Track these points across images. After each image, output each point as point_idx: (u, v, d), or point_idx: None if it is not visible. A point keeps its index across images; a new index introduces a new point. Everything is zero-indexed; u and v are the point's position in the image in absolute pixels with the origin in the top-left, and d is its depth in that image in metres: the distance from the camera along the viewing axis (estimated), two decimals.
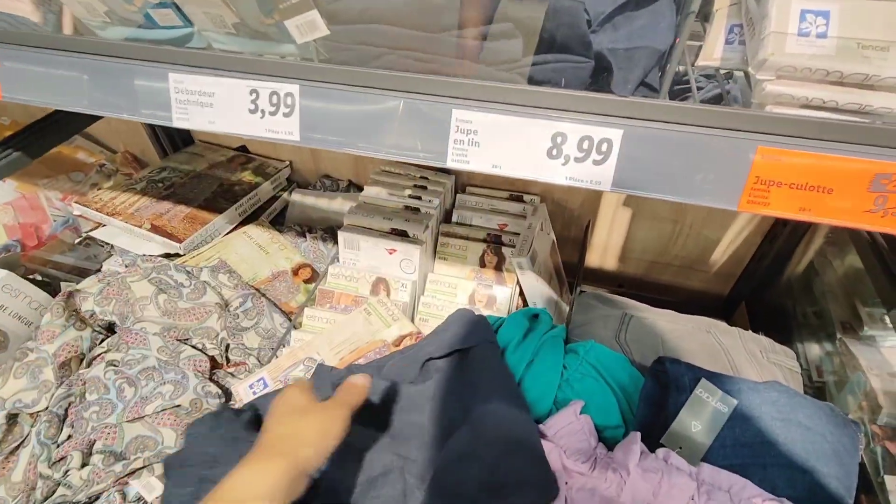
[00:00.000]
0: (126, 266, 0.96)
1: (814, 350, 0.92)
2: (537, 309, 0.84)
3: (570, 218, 1.15)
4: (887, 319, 0.71)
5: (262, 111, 0.54)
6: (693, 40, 0.60)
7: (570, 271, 1.11)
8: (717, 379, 0.62)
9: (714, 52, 0.54)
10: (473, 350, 0.65)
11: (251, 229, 1.10)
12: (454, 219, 1.07)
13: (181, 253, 0.99)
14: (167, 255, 0.99)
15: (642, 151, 0.46)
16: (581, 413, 0.64)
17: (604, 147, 0.47)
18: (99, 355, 0.79)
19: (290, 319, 0.95)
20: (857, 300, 0.81)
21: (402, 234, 0.96)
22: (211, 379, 0.80)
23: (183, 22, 0.57)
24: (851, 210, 0.43)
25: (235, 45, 0.58)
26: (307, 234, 1.14)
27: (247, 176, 1.20)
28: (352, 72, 0.51)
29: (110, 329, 0.84)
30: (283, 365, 0.77)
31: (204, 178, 1.16)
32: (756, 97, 0.43)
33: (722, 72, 0.55)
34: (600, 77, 0.46)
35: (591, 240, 1.18)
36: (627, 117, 0.46)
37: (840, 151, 0.42)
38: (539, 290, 0.97)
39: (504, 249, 1.00)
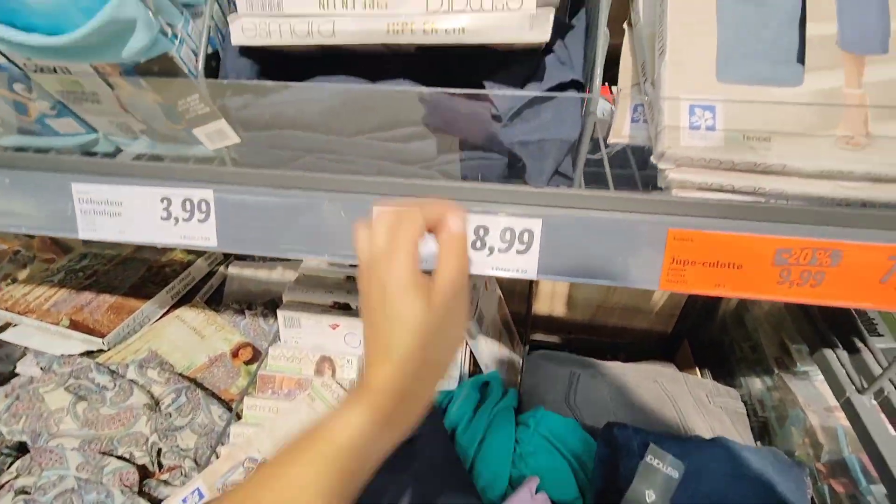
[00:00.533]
0: (42, 369, 0.88)
1: (755, 384, 0.95)
2: (487, 375, 0.83)
3: None
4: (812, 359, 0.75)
5: (176, 218, 0.52)
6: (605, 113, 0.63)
7: (521, 321, 1.11)
8: (664, 442, 0.62)
9: (622, 129, 0.57)
10: (419, 442, 0.62)
11: (185, 312, 1.04)
12: None
13: (105, 349, 0.92)
14: (90, 353, 0.92)
15: (562, 239, 0.47)
16: (537, 491, 0.63)
17: (525, 237, 0.47)
18: (7, 483, 0.70)
19: (229, 409, 0.89)
20: (786, 337, 0.85)
21: (344, 307, 0.94)
22: (141, 492, 0.73)
23: (85, 129, 0.54)
24: (762, 283, 0.46)
25: (145, 147, 0.56)
26: (246, 312, 1.09)
27: (178, 254, 1.14)
28: (268, 174, 0.50)
29: (21, 450, 0.76)
30: (221, 469, 0.72)
31: (130, 263, 1.10)
32: (661, 183, 0.45)
33: (630, 148, 0.58)
34: (515, 170, 0.47)
35: (537, 290, 1.20)
36: (545, 206, 0.47)
37: (743, 230, 0.44)
38: (488, 352, 0.96)
39: None
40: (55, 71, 0.44)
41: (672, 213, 0.45)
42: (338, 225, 0.50)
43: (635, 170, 0.55)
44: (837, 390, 0.62)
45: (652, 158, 0.45)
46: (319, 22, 0.46)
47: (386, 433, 0.36)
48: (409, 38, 0.44)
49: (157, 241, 0.52)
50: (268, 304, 1.13)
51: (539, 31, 0.43)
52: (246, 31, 0.46)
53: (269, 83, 0.43)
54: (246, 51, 0.47)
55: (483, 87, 0.46)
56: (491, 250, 0.48)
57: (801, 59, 0.42)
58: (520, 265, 0.48)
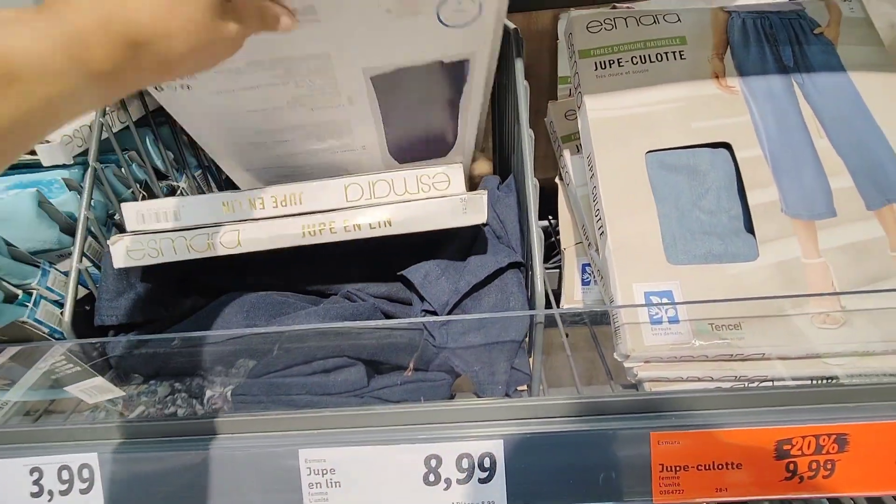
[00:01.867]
0: None
1: None
2: None
3: None
4: None
5: (50, 492, 0.41)
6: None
7: None
8: None
9: (574, 294, 0.52)
10: None
11: None
12: None
13: None
14: None
15: (530, 459, 0.39)
16: None
17: (486, 462, 0.39)
18: None
19: None
20: None
21: None
22: None
23: None
24: (767, 482, 0.39)
25: (14, 396, 0.46)
26: None
27: None
28: (165, 425, 0.41)
29: None
30: None
31: None
32: (631, 379, 0.39)
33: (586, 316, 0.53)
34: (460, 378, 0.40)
35: None
36: (504, 421, 0.40)
37: (733, 424, 0.38)
38: None
39: None
40: None
41: (650, 412, 0.39)
42: (258, 478, 0.40)
43: (597, 343, 0.50)
44: None
45: (616, 356, 0.39)
46: (222, 232, 0.40)
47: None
48: (330, 237, 0.39)
49: None
50: None
51: (474, 214, 0.38)
52: (132, 252, 0.39)
53: (151, 337, 0.35)
54: (125, 279, 0.40)
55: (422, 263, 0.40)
56: (448, 483, 0.39)
57: (750, 228, 0.39)
58: (485, 497, 0.39)
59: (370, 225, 0.39)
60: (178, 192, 0.52)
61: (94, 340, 0.37)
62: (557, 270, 0.58)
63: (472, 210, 0.39)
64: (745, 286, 0.37)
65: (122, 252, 0.39)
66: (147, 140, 0.49)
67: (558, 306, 0.53)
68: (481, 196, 0.39)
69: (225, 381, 0.39)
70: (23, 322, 0.34)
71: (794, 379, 0.37)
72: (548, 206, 0.60)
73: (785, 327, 0.36)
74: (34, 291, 0.35)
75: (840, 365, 0.37)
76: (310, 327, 0.36)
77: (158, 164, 0.50)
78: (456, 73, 0.45)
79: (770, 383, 0.38)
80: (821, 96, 0.42)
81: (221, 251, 0.41)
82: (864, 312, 0.36)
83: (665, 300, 0.37)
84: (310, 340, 0.36)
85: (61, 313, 0.36)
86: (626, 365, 0.38)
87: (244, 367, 0.38)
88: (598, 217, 0.42)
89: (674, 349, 0.36)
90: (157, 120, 0.51)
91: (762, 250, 0.38)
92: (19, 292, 0.34)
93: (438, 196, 0.40)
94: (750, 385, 0.38)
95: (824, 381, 0.38)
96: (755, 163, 0.40)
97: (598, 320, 0.54)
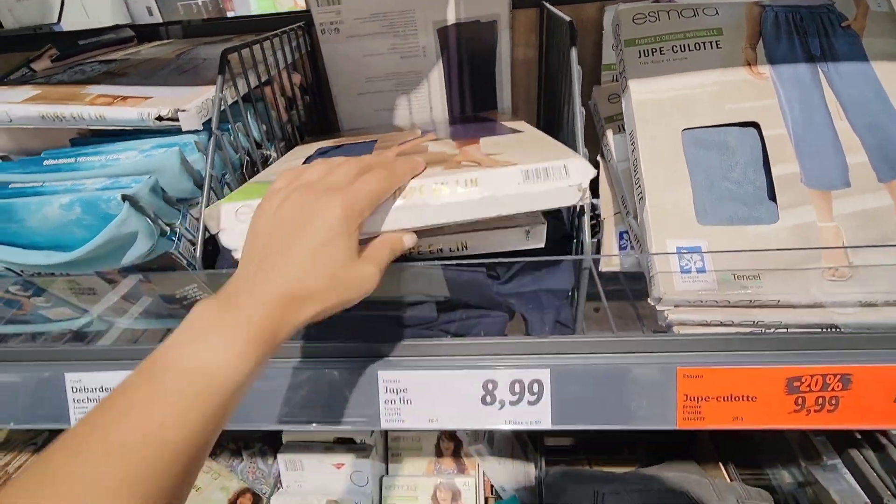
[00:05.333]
0: None
1: (785, 478, 0.91)
2: (505, 502, 0.78)
3: None
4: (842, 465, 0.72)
5: None
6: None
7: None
8: None
9: (612, 259, 0.59)
10: None
11: None
12: None
13: None
14: None
15: (573, 386, 0.46)
16: None
17: (535, 388, 0.47)
18: None
19: None
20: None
21: (348, 442, 0.89)
22: None
23: (79, 313, 0.54)
24: (778, 413, 0.45)
25: (142, 325, 0.56)
26: (243, 452, 1.03)
27: None
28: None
29: None
30: None
31: None
32: (662, 322, 0.46)
33: (623, 276, 0.59)
34: (517, 321, 0.48)
35: None
36: (551, 354, 0.47)
37: (750, 363, 0.44)
38: (503, 471, 0.91)
39: (459, 433, 0.95)
40: (52, 274, 0.45)
41: (678, 351, 0.45)
42: (344, 395, 0.48)
43: (634, 306, 0.56)
44: (873, 497, 0.59)
45: (650, 300, 0.46)
46: None
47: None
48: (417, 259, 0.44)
49: None
50: (265, 439, 1.07)
51: (535, 241, 0.43)
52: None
53: None
54: None
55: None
56: (502, 404, 0.47)
57: (772, 197, 0.45)
58: (533, 416, 0.47)
59: (450, 249, 0.43)
60: (270, 160, 0.61)
61: (221, 271, 0.45)
62: (597, 241, 0.65)
63: (533, 238, 0.43)
64: (766, 244, 0.43)
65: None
66: (249, 114, 0.58)
67: (598, 270, 0.59)
68: (542, 228, 0.42)
69: None
70: (171, 254, 0.43)
71: (804, 326, 0.43)
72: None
73: (799, 280, 0.42)
74: (178, 230, 0.44)
75: (846, 314, 0.43)
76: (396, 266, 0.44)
77: (255, 135, 0.59)
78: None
79: (784, 330, 0.45)
80: (843, 82, 0.48)
81: None
82: (869, 268, 0.41)
83: (695, 255, 0.44)
84: (394, 279, 0.44)
85: (194, 249, 0.45)
86: (658, 308, 0.45)
87: None
88: (639, 186, 0.49)
89: (700, 294, 0.43)
90: (256, 97, 0.59)
91: (782, 215, 0.44)
92: (168, 229, 0.43)
93: (507, 228, 0.43)
94: (766, 331, 0.45)
95: (831, 330, 0.44)
96: (780, 140, 0.46)
97: (632, 280, 0.60)
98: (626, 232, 0.59)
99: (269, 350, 0.31)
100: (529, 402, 0.47)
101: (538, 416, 0.47)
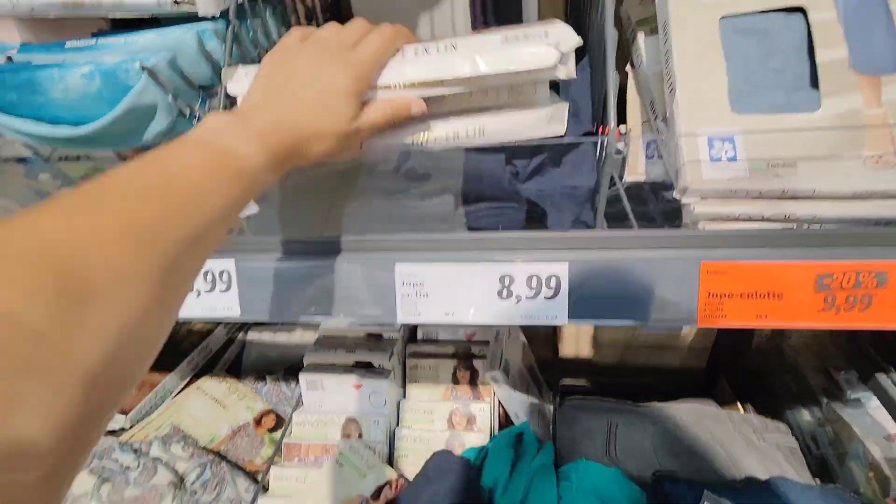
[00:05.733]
0: None
1: (804, 416, 0.89)
2: (519, 427, 0.79)
3: None
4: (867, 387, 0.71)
5: (198, 290, 0.51)
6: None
7: (547, 366, 1.08)
8: (718, 491, 0.58)
9: (637, 167, 0.57)
10: None
11: (206, 383, 1.03)
12: (419, 336, 1.04)
13: (127, 427, 0.90)
14: (112, 432, 0.90)
15: (591, 281, 0.46)
16: None
17: (552, 282, 0.46)
18: None
19: (256, 481, 0.86)
20: (830, 366, 0.80)
21: (367, 366, 0.91)
22: None
23: None
24: (806, 311, 0.43)
25: None
26: (267, 377, 1.07)
27: (196, 325, 1.14)
28: (287, 241, 0.50)
29: None
30: None
31: None
32: (687, 218, 0.44)
33: (648, 185, 0.57)
34: (535, 220, 0.47)
35: (562, 333, 1.17)
36: (570, 249, 0.46)
37: (779, 258, 0.43)
38: (518, 400, 0.93)
39: (476, 362, 0.96)
40: (78, 158, 0.45)
41: (702, 247, 0.44)
42: (360, 288, 0.49)
43: (655, 208, 0.54)
44: None
45: (675, 194, 0.44)
46: None
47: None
48: (433, 144, 0.43)
49: (180, 316, 0.52)
50: (288, 368, 1.11)
51: (556, 125, 0.42)
52: None
53: None
54: None
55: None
56: (518, 299, 0.47)
57: (814, 84, 0.42)
58: (550, 311, 0.47)
59: (466, 133, 0.42)
60: None
61: None
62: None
63: (554, 122, 0.42)
64: (807, 134, 0.41)
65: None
66: (268, 12, 0.56)
67: (621, 180, 0.57)
68: (564, 110, 0.42)
69: (335, 203, 0.47)
70: None
71: (840, 220, 0.41)
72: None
73: (839, 167, 0.40)
74: (197, 113, 0.44)
75: (887, 206, 0.40)
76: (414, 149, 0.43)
77: (275, 37, 0.58)
78: None
79: (818, 226, 0.43)
80: None
81: None
82: None
83: (727, 144, 0.41)
84: (416, 161, 0.43)
85: None
86: (684, 200, 0.43)
87: (353, 192, 0.46)
88: (669, 79, 0.46)
89: (730, 184, 0.41)
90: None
91: (824, 103, 0.41)
92: (187, 112, 0.43)
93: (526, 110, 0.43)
94: (797, 227, 0.43)
95: (868, 224, 0.41)
96: (828, 24, 0.43)
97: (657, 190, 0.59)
98: (653, 142, 0.57)
99: (278, 168, 0.34)
100: (546, 297, 0.47)
101: (555, 312, 0.47)
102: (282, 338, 1.17)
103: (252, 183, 0.32)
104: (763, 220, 0.43)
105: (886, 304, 0.42)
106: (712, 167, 0.41)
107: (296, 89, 0.36)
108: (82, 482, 0.75)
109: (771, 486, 0.59)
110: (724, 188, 0.41)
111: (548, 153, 0.44)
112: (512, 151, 0.44)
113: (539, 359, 1.09)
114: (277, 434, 0.96)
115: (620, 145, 0.40)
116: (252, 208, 0.49)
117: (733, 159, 0.41)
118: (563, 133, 0.42)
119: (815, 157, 0.40)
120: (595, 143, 0.44)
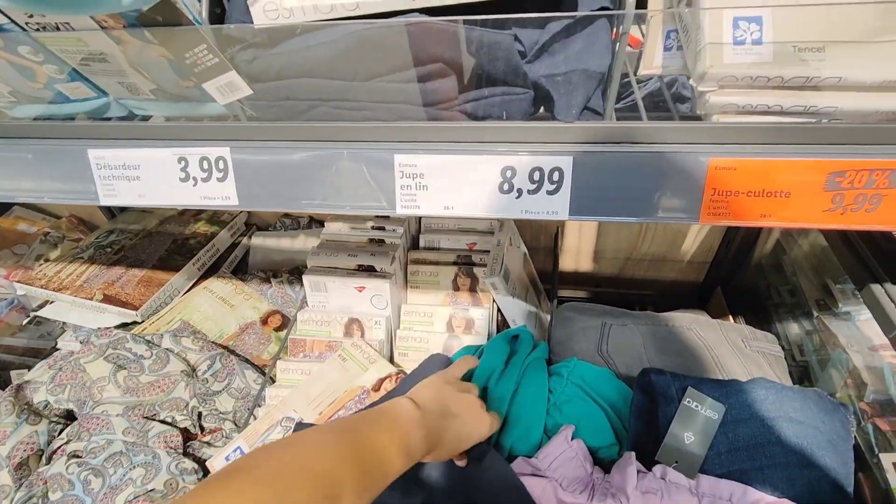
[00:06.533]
0: (81, 342, 0.90)
1: (793, 329, 0.92)
2: (517, 329, 0.82)
3: (539, 227, 1.14)
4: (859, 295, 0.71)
5: (195, 178, 0.51)
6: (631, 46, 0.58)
7: (547, 278, 1.10)
8: (703, 385, 0.61)
9: (654, 59, 0.53)
10: (478, 467, 0.60)
11: (213, 283, 1.05)
12: (422, 244, 1.05)
13: (139, 320, 0.94)
14: (124, 325, 0.94)
15: (595, 176, 0.44)
16: (573, 438, 0.63)
17: (555, 176, 0.45)
18: (59, 448, 0.73)
19: (263, 374, 0.91)
20: (828, 277, 0.81)
21: (369, 270, 0.93)
22: (185, 453, 0.76)
23: (96, 93, 0.53)
24: (811, 211, 0.43)
25: (157, 110, 0.55)
26: (272, 280, 1.09)
27: (201, 227, 1.15)
28: (283, 127, 0.48)
29: (69, 417, 0.79)
30: (260, 429, 0.73)
31: (156, 237, 1.11)
32: (700, 109, 0.42)
33: (665, 79, 0.54)
34: (542, 106, 0.44)
35: (563, 245, 1.17)
36: (575, 142, 0.44)
37: (791, 155, 0.41)
38: (516, 307, 0.95)
39: (476, 270, 0.98)
40: (58, 28, 0.43)
41: (713, 142, 0.42)
42: (358, 177, 0.48)
43: (671, 104, 0.52)
44: (886, 325, 0.59)
45: (691, 81, 0.41)
46: None
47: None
48: None
49: (177, 203, 0.52)
50: (292, 272, 1.13)
51: None
52: (268, 12, 0.43)
53: (278, 26, 0.41)
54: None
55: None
56: (519, 192, 0.46)
57: None
58: (551, 206, 0.46)
59: None
60: None
61: (229, 27, 0.43)
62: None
63: None
64: (841, 12, 0.37)
65: (261, 10, 0.42)
66: None
67: (636, 74, 0.54)
68: None
69: (332, 86, 0.45)
70: (172, 2, 0.40)
71: (863, 113, 0.39)
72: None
73: (870, 53, 0.37)
74: None
75: None
76: (410, 21, 0.40)
77: None
78: None
79: (839, 121, 0.40)
80: None
81: (341, 13, 0.43)
82: None
83: (753, 25, 0.38)
84: (409, 41, 0.40)
85: (200, 4, 0.42)
86: (700, 88, 0.41)
87: (350, 72, 0.43)
88: None
89: (752, 69, 0.38)
90: None
91: None
92: None
93: None
94: (816, 122, 0.41)
95: (890, 122, 0.39)
96: None
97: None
98: (674, 31, 0.53)
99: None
100: (548, 192, 0.46)
101: (555, 207, 0.46)
102: (285, 243, 1.19)
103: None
104: (782, 112, 0.40)
105: (894, 206, 0.41)
106: (735, 50, 0.38)
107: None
108: (98, 368, 0.80)
109: (753, 385, 0.62)
110: (745, 73, 0.38)
111: (558, 32, 0.41)
112: (521, 25, 0.41)
113: (538, 272, 1.10)
114: (283, 333, 1.00)
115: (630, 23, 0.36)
116: (245, 90, 0.47)
117: (758, 42, 0.38)
118: None
119: (846, 42, 0.37)
120: (610, 21, 0.41)
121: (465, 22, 0.37)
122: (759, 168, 0.42)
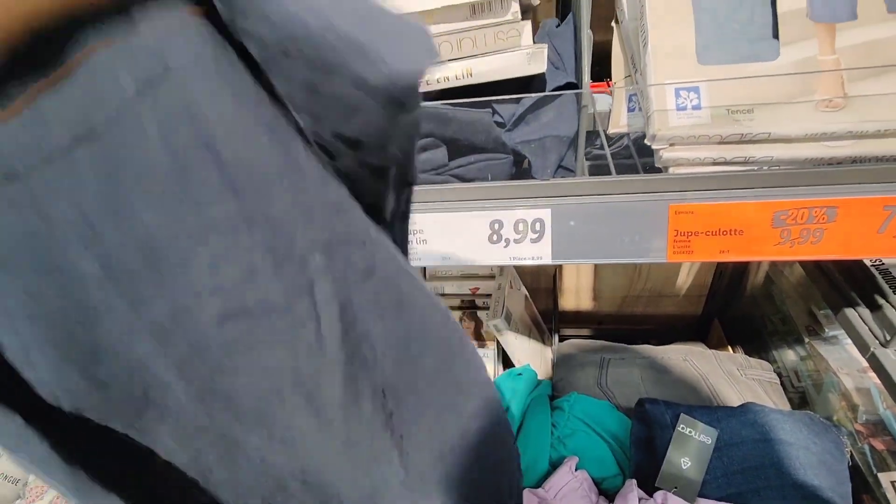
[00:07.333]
0: None
1: (788, 356, 0.95)
2: (520, 368, 0.86)
3: (538, 269, 1.20)
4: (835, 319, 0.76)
5: (507, 240, 0.58)
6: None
7: (547, 319, 1.14)
8: (695, 412, 0.64)
9: (620, 119, 0.61)
10: None
11: None
12: None
13: None
14: None
15: (572, 225, 0.51)
16: (577, 469, 0.66)
17: (537, 226, 0.51)
18: None
19: None
20: (812, 304, 0.86)
21: None
22: None
23: None
24: (764, 246, 0.48)
25: None
26: None
27: None
28: None
29: None
30: None
31: None
32: (658, 162, 0.49)
33: (630, 136, 0.62)
34: (521, 168, 0.52)
35: (562, 286, 1.23)
36: (552, 196, 0.51)
37: (739, 198, 0.47)
38: (519, 346, 1.00)
39: (479, 313, 1.03)
40: None
41: (670, 190, 0.49)
42: None
43: (636, 157, 0.59)
44: (862, 346, 0.63)
45: (646, 140, 0.48)
46: None
47: None
48: (424, 87, 0.49)
49: None
50: None
51: (536, 65, 0.47)
52: None
53: None
54: None
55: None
56: (507, 242, 0.52)
57: (776, 34, 0.46)
58: (535, 252, 0.52)
59: (456, 76, 0.48)
60: None
61: None
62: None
63: (534, 62, 0.48)
64: (764, 81, 0.45)
65: None
66: None
67: (606, 132, 0.62)
68: (542, 50, 0.47)
69: None
70: None
71: (795, 161, 0.46)
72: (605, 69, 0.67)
73: (791, 111, 0.44)
74: None
75: (838, 146, 0.44)
76: None
77: None
78: None
79: (777, 168, 0.47)
80: None
81: None
82: (863, 100, 0.43)
83: (692, 94, 0.46)
84: None
85: None
86: (654, 146, 0.47)
87: None
88: (643, 33, 0.50)
89: (694, 129, 0.45)
90: None
91: (783, 51, 0.45)
92: None
93: (510, 52, 0.48)
94: (757, 169, 0.47)
95: (820, 165, 0.46)
96: None
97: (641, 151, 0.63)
98: (635, 95, 0.61)
99: None
100: (532, 240, 0.52)
101: (539, 253, 0.52)
102: None
103: None
104: (725, 162, 0.47)
105: (836, 238, 0.47)
106: (678, 115, 0.45)
107: None
108: None
109: (743, 410, 0.65)
110: (689, 134, 0.45)
111: (532, 105, 0.48)
112: (500, 102, 0.49)
113: (540, 312, 1.15)
114: None
115: (590, 100, 0.44)
116: None
117: (697, 107, 0.45)
118: (543, 71, 0.47)
119: (770, 103, 0.44)
120: (574, 95, 0.48)
121: (452, 104, 0.45)
122: (712, 211, 0.48)
